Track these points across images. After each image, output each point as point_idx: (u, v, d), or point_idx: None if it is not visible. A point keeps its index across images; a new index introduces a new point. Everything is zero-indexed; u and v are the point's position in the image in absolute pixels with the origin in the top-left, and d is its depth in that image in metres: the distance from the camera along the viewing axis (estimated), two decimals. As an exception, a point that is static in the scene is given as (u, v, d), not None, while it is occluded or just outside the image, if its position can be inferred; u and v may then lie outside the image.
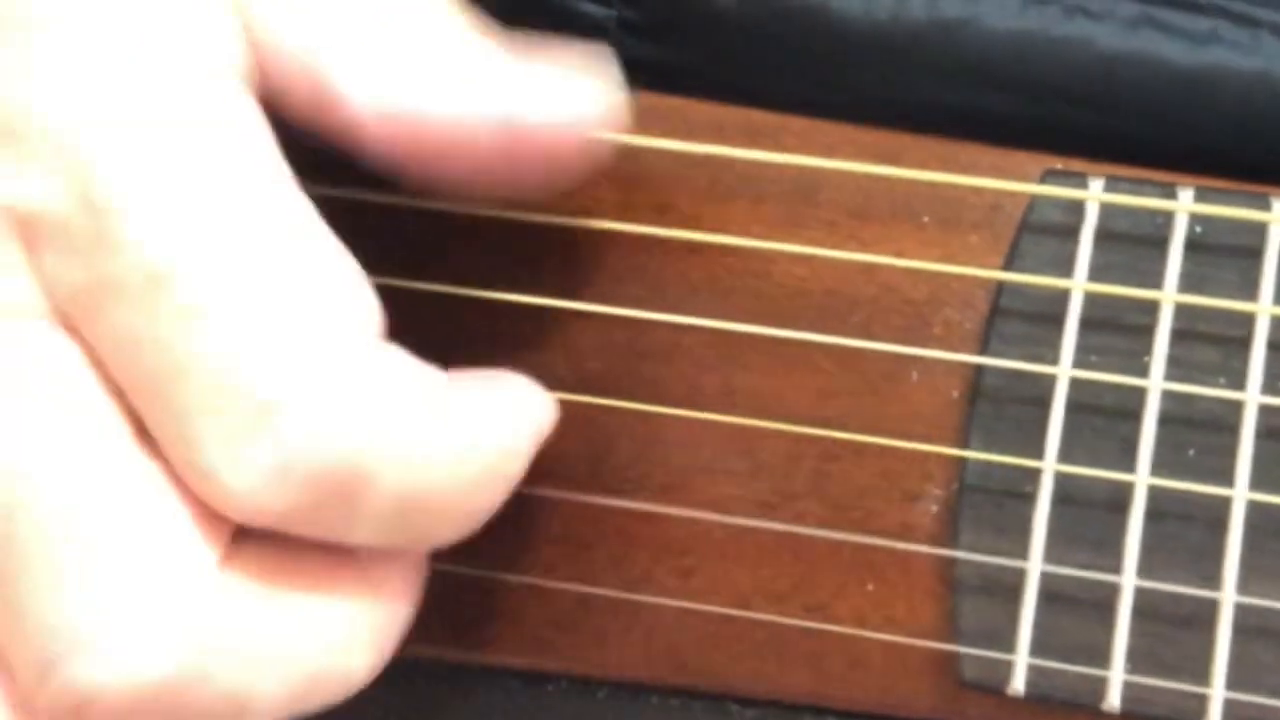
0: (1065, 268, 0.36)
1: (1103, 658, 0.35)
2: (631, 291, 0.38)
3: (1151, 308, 0.35)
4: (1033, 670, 0.35)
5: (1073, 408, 0.36)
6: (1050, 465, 0.35)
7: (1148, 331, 0.35)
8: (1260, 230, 0.35)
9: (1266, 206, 0.35)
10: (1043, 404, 0.36)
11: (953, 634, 0.36)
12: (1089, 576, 0.35)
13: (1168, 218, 0.36)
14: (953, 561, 0.36)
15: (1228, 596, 0.35)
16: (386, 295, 0.33)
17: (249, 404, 0.30)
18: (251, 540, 0.32)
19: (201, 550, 0.32)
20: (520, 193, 0.35)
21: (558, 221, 0.38)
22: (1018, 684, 0.35)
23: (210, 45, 0.32)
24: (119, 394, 0.32)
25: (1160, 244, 0.36)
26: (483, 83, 0.33)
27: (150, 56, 0.32)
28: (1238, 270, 0.35)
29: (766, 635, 0.37)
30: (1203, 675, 0.35)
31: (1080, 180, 0.36)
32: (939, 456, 0.36)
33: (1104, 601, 0.35)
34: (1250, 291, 0.35)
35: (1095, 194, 0.36)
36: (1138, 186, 0.36)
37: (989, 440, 0.36)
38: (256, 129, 0.32)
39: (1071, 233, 0.36)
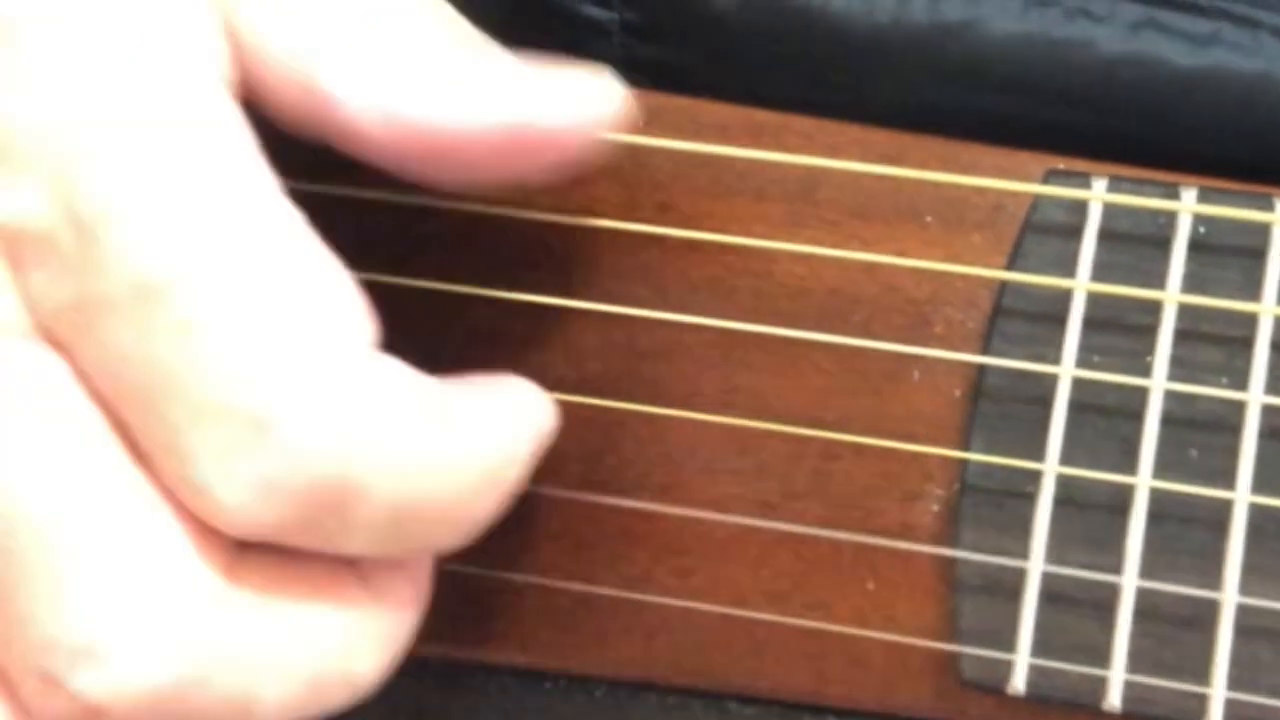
0: (1068, 268, 0.36)
1: (1103, 658, 0.35)
2: (632, 290, 0.38)
3: (1154, 308, 0.35)
4: (1033, 670, 0.35)
5: (1075, 407, 0.35)
6: (1052, 465, 0.35)
7: (1150, 332, 0.35)
8: (1263, 231, 0.35)
9: (1270, 207, 0.35)
10: (1045, 404, 0.36)
11: (953, 634, 0.36)
12: (1090, 576, 0.35)
13: (1170, 218, 0.36)
14: (953, 561, 0.36)
15: (1229, 597, 0.35)
16: (386, 293, 0.33)
17: (241, 419, 0.30)
18: (254, 549, 0.32)
19: (199, 559, 0.31)
20: (519, 183, 0.35)
21: (559, 220, 0.38)
22: (1018, 684, 0.35)
23: (192, 50, 0.32)
24: (108, 409, 0.31)
25: (1163, 244, 0.36)
26: (476, 81, 0.33)
27: (132, 66, 0.31)
28: (1241, 271, 0.35)
29: (766, 635, 0.37)
30: (1203, 675, 0.35)
31: (1083, 180, 0.36)
32: (940, 456, 0.36)
33: (1105, 601, 0.35)
34: (1253, 292, 0.35)
35: (1098, 194, 0.36)
36: (1141, 187, 0.36)
37: (990, 440, 0.36)
38: (240, 137, 0.32)
39: (1074, 233, 0.36)
